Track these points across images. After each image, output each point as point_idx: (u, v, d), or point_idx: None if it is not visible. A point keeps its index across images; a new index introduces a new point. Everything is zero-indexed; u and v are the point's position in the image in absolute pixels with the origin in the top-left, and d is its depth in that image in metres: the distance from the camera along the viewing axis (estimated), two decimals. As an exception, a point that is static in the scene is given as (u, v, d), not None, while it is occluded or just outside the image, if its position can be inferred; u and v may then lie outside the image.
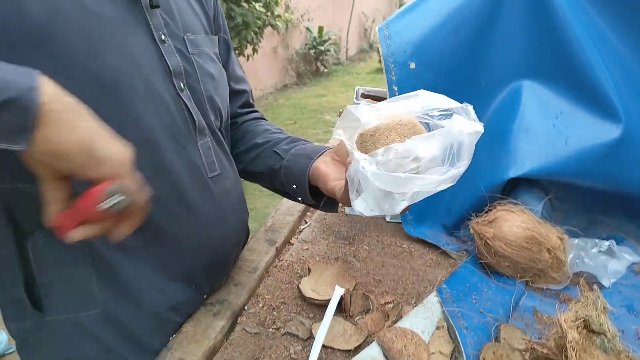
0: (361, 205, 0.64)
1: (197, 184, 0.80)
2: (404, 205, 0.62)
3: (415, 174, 0.62)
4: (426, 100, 0.69)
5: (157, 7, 0.74)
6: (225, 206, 0.87)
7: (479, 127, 0.65)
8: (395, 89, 1.13)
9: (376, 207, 0.63)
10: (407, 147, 0.62)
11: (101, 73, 0.65)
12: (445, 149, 0.63)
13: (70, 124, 0.51)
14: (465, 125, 0.64)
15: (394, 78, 1.13)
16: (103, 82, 0.65)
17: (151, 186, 0.72)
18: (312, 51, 9.11)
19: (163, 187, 0.75)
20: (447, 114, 0.68)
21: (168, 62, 0.76)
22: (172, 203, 0.77)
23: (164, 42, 0.76)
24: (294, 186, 0.90)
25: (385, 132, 0.67)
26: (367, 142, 0.68)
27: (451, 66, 1.15)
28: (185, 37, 0.81)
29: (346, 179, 0.68)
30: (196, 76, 0.83)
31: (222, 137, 0.90)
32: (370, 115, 0.70)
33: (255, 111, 1.11)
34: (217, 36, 0.94)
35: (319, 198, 0.91)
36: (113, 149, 0.54)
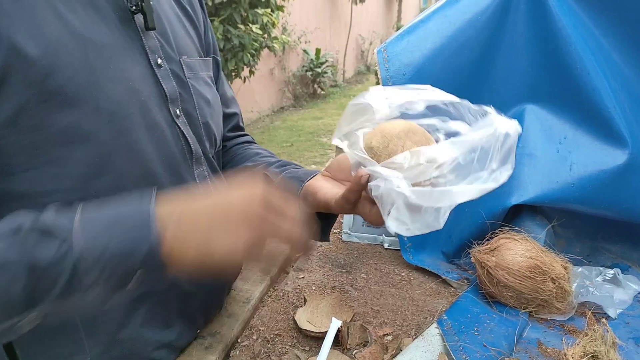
0: (398, 226, 0.60)
1: None
2: (447, 216, 0.59)
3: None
4: (436, 93, 0.66)
5: (153, 29, 0.72)
6: None
7: (519, 128, 0.62)
8: (394, 112, 1.10)
9: (416, 225, 0.59)
10: (434, 153, 0.59)
11: (100, 103, 0.62)
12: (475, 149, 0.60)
13: (185, 251, 0.54)
14: (508, 125, 0.61)
15: (393, 102, 1.11)
16: (102, 113, 0.63)
17: None
18: (309, 73, 9.17)
19: None
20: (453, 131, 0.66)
21: (164, 87, 0.73)
22: None
23: (160, 66, 0.73)
24: None
25: (399, 142, 0.64)
26: (382, 154, 0.65)
27: (452, 89, 1.11)
28: (181, 60, 0.79)
29: (369, 197, 0.65)
30: (192, 102, 0.80)
31: (216, 165, 0.87)
32: (382, 103, 0.66)
33: (245, 134, 1.08)
34: (211, 58, 0.92)
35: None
36: (223, 253, 0.55)
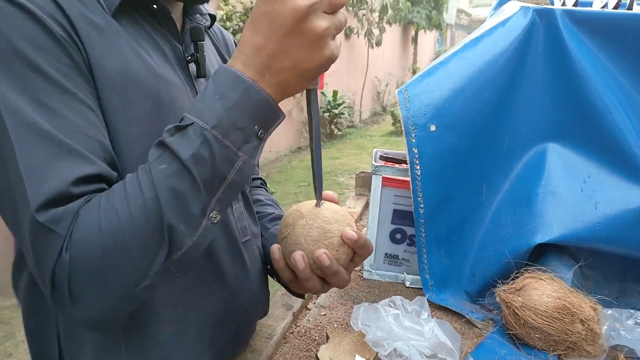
0: None
1: (231, 250, 0.80)
2: None
3: None
4: None
5: (204, 76, 0.79)
6: (253, 272, 0.85)
7: None
8: (415, 151, 1.12)
9: None
10: None
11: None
12: None
13: (284, 77, 0.58)
14: None
15: (414, 140, 1.12)
16: None
17: None
18: (326, 114, 9.27)
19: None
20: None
21: None
22: (206, 270, 0.75)
23: None
24: (268, 265, 0.91)
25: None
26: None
27: (473, 129, 1.14)
28: None
29: None
30: None
31: (250, 201, 0.90)
32: None
33: (257, 178, 1.11)
34: None
35: None
36: (315, 62, 0.58)
